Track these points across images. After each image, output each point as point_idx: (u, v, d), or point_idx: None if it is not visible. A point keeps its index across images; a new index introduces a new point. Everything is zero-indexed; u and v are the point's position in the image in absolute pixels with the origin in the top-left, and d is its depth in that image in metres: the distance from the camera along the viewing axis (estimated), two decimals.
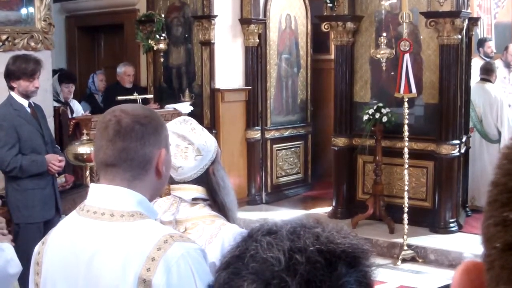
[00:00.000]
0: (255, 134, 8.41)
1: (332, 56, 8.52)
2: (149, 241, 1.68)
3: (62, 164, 5.19)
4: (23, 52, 5.65)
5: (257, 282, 0.87)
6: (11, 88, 5.02)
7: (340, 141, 7.67)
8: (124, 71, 8.30)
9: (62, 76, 7.71)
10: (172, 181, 2.49)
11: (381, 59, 6.70)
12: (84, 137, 5.98)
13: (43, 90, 5.66)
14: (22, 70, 4.93)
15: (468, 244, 6.66)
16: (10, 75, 4.97)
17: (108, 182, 1.77)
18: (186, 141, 2.43)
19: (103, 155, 1.76)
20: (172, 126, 2.45)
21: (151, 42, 8.28)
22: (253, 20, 8.24)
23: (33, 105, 5.15)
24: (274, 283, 0.86)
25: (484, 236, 0.70)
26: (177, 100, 8.11)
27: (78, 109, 7.80)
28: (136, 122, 1.75)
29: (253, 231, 0.95)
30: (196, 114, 7.54)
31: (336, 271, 0.88)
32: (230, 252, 0.94)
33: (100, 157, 1.78)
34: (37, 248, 1.87)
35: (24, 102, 5.05)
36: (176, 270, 1.64)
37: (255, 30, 8.30)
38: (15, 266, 2.74)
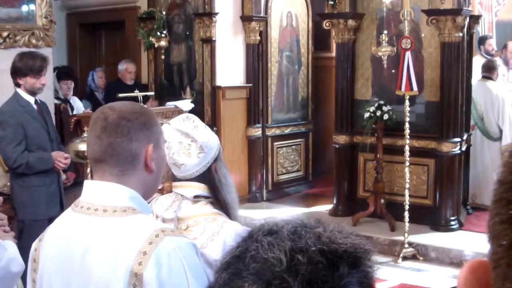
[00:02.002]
0: (256, 131, 8.40)
1: (333, 54, 8.52)
2: (141, 235, 1.70)
3: (68, 161, 5.21)
4: (24, 49, 5.65)
5: (258, 283, 0.86)
6: (17, 85, 5.01)
7: (341, 139, 7.66)
8: (125, 68, 8.31)
9: (60, 72, 7.70)
10: (174, 179, 2.49)
11: (382, 56, 6.69)
12: (85, 134, 5.97)
13: (45, 87, 5.66)
14: (29, 67, 4.93)
15: (469, 242, 6.66)
16: (17, 72, 4.97)
17: (99, 178, 1.80)
18: (189, 138, 2.43)
19: (92, 151, 1.80)
20: (175, 124, 2.46)
21: (152, 39, 8.28)
22: (254, 18, 8.23)
23: (39, 102, 5.16)
24: (275, 284, 0.85)
25: (490, 234, 0.70)
26: (178, 97, 8.10)
27: (79, 106, 7.80)
28: (122, 118, 1.77)
29: (254, 231, 0.94)
30: (197, 112, 7.52)
31: (338, 271, 0.87)
32: (230, 253, 0.94)
33: (90, 153, 1.82)
34: (34, 245, 1.90)
35: (31, 99, 5.05)
36: (166, 263, 1.66)
37: (256, 28, 8.29)
38: (18, 265, 2.73)
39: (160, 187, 2.51)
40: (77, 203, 1.82)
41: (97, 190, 1.80)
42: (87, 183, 1.84)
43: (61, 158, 5.10)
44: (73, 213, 1.81)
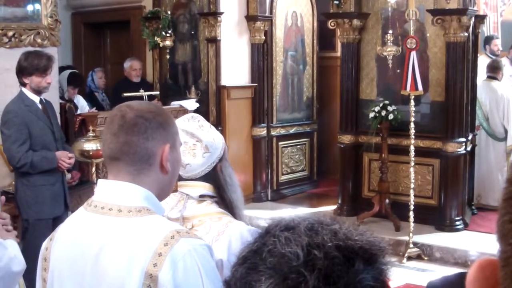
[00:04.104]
0: (261, 131, 8.40)
1: (338, 54, 8.52)
2: (156, 236, 1.69)
3: (72, 161, 5.21)
4: (29, 48, 5.66)
5: (275, 277, 0.87)
6: (23, 84, 5.03)
7: (346, 139, 7.66)
8: (130, 65, 8.31)
9: (72, 78, 7.69)
10: (180, 178, 2.48)
11: (387, 56, 6.68)
12: (90, 134, 5.98)
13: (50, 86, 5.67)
14: (35, 66, 4.95)
15: (474, 242, 6.65)
16: (23, 71, 4.98)
17: (113, 177, 1.79)
18: (194, 138, 2.43)
19: (108, 148, 1.79)
20: (180, 123, 2.45)
21: (157, 39, 8.28)
22: (259, 17, 8.23)
23: (44, 101, 5.17)
24: (292, 278, 0.86)
25: (499, 233, 0.70)
26: (183, 97, 8.11)
27: (83, 105, 7.80)
28: (140, 117, 1.76)
29: (271, 226, 0.95)
30: (202, 111, 7.53)
31: (353, 267, 0.88)
32: (248, 247, 0.94)
33: (105, 150, 1.81)
34: (44, 244, 1.88)
35: (36, 98, 5.06)
36: (182, 265, 1.65)
37: (261, 27, 8.29)
38: (19, 264, 2.72)
39: None
40: (90, 202, 1.81)
41: (111, 190, 1.78)
42: (101, 182, 1.83)
43: (65, 158, 5.10)
44: (86, 213, 1.80)
